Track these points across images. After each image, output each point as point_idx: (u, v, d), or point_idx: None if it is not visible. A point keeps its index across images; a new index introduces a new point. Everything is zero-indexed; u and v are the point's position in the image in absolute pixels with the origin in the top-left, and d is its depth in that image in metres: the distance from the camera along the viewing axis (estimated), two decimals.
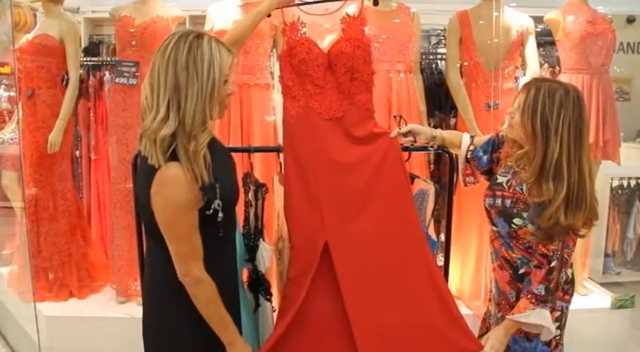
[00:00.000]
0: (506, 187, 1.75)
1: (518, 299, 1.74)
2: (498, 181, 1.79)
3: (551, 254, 1.65)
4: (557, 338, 1.79)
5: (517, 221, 1.70)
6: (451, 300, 1.81)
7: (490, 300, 1.94)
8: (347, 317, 1.73)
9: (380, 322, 1.73)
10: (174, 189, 1.38)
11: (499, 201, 1.76)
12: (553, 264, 1.65)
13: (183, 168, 1.38)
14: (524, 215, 1.69)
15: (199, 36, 1.44)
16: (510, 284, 1.79)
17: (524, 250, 1.73)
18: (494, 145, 1.87)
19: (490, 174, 1.87)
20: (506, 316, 1.71)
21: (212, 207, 1.44)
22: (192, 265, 1.45)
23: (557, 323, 1.77)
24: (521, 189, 1.71)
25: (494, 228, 1.80)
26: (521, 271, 1.75)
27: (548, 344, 1.77)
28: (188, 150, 1.39)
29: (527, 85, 1.71)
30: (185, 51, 1.40)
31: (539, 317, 1.65)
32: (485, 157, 1.88)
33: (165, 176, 1.38)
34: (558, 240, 1.65)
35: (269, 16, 2.01)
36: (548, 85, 1.66)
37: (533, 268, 1.69)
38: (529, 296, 1.67)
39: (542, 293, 1.65)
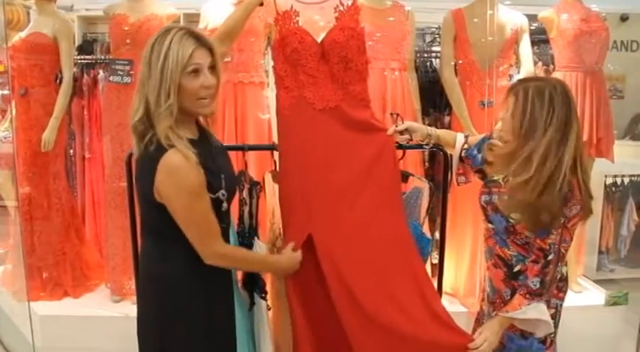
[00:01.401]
0: (503, 183, 1.75)
1: (513, 297, 1.74)
2: (494, 178, 1.79)
3: (548, 248, 1.65)
4: (552, 335, 1.79)
5: (515, 215, 1.71)
6: (434, 297, 1.78)
7: (483, 300, 1.94)
8: (335, 311, 1.73)
9: (367, 316, 1.70)
10: (183, 174, 1.40)
11: (495, 197, 1.76)
12: (550, 257, 1.65)
13: (180, 152, 1.40)
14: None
15: (167, 31, 1.45)
16: (505, 282, 1.79)
17: (521, 246, 1.73)
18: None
19: (483, 172, 1.88)
20: (500, 313, 1.71)
21: (217, 194, 1.48)
22: (212, 245, 1.50)
23: (552, 321, 1.77)
24: None
25: (490, 226, 1.81)
26: (516, 269, 1.75)
27: (543, 341, 1.77)
28: (165, 137, 1.41)
29: (515, 87, 1.71)
30: (149, 47, 1.44)
31: (536, 312, 1.65)
32: (479, 156, 1.88)
33: (169, 163, 1.40)
34: (555, 233, 1.65)
35: (261, 4, 1.94)
36: (534, 84, 1.67)
37: (530, 263, 1.69)
38: (522, 292, 1.67)
39: (537, 286, 1.65)
